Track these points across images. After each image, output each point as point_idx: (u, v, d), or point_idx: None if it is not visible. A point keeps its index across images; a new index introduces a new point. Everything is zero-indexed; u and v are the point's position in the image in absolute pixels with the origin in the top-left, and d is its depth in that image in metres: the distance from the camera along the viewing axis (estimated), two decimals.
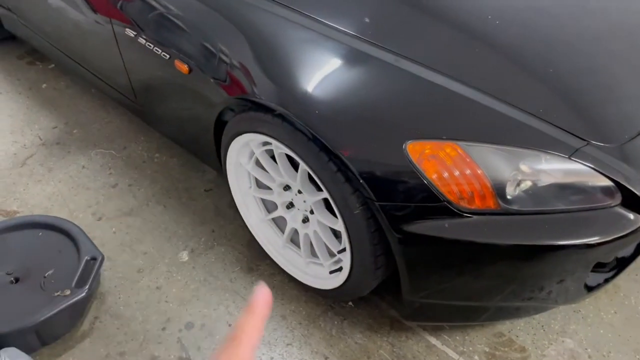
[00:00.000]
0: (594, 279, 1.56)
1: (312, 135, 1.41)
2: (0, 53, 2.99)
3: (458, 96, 1.40)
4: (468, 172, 1.31)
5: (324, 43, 1.51)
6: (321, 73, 1.46)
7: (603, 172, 1.33)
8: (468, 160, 1.32)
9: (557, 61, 1.54)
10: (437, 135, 1.35)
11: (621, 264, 1.60)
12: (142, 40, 1.83)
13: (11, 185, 2.26)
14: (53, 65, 2.92)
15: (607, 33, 1.69)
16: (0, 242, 1.87)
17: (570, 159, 1.33)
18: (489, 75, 1.47)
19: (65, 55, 2.48)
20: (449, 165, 1.32)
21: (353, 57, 1.48)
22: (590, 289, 1.54)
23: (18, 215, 2.11)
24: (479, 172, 1.31)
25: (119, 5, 1.88)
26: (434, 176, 1.32)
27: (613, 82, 1.54)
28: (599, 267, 1.55)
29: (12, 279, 1.74)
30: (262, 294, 0.56)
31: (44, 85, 2.81)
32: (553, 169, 1.35)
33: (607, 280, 1.58)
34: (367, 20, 1.58)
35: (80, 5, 2.09)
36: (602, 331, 1.69)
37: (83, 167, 2.34)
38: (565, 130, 1.37)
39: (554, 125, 1.38)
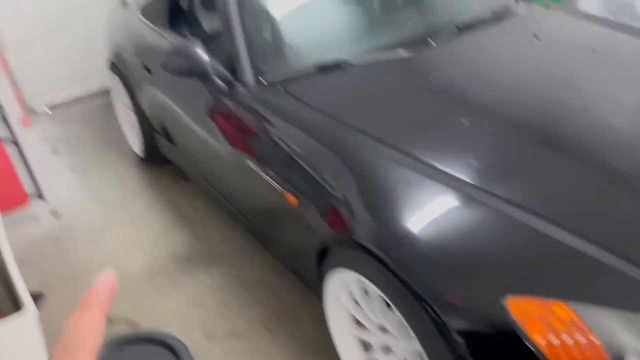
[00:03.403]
0: None
1: (405, 280, 1.34)
2: (153, 172, 3.39)
3: (570, 249, 1.25)
4: (582, 340, 1.13)
5: (426, 185, 1.48)
6: (420, 217, 1.42)
7: None
8: (581, 325, 1.14)
9: None
10: (542, 291, 1.20)
11: None
12: (260, 172, 1.95)
13: (140, 296, 2.44)
14: (194, 185, 3.22)
15: None
16: (119, 355, 1.98)
17: None
18: (610, 228, 1.31)
19: (202, 178, 2.73)
20: (557, 329, 1.15)
21: (455, 201, 1.42)
22: None
23: (139, 327, 2.24)
24: (594, 341, 1.13)
25: (245, 139, 2.05)
26: (539, 339, 1.16)
27: None
28: None
29: None
30: (104, 281, 0.42)
31: (183, 202, 3.10)
32: None
33: None
34: (473, 162, 1.53)
35: (216, 136, 2.31)
36: None
37: (204, 284, 2.46)
38: None
39: None
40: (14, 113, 2.72)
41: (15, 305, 2.01)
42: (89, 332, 0.41)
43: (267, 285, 2.40)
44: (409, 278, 1.33)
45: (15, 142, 2.77)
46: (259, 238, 2.37)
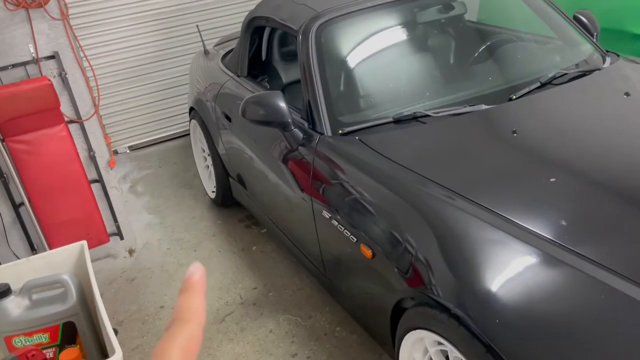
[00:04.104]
0: None
1: (489, 346, 1.27)
2: (226, 216, 3.46)
3: None
4: None
5: (512, 245, 1.41)
6: (507, 278, 1.35)
7: None
8: None
9: None
10: None
11: None
12: (334, 222, 1.94)
13: (208, 340, 2.45)
14: (265, 230, 3.26)
15: None
16: None
17: None
18: None
19: (273, 224, 2.75)
20: None
21: (544, 263, 1.35)
22: None
23: None
24: None
25: (320, 188, 2.06)
26: None
27: None
28: None
29: None
30: (197, 271, 0.54)
31: (254, 248, 3.13)
32: None
33: None
34: (563, 222, 1.45)
35: (291, 184, 2.34)
36: None
37: (271, 331, 2.44)
38: None
39: None
40: (103, 157, 2.87)
41: (95, 336, 2.07)
42: (196, 308, 0.51)
43: (335, 337, 2.35)
44: (492, 341, 1.26)
45: (100, 182, 2.91)
46: (328, 287, 2.34)
